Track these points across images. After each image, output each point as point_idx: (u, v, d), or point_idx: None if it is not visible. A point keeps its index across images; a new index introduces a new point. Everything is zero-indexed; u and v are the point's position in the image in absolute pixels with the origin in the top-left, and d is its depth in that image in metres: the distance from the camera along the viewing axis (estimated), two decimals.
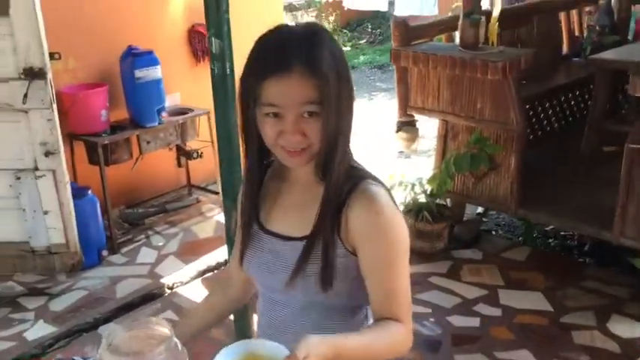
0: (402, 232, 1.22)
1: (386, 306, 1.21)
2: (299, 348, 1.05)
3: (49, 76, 3.15)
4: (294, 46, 1.16)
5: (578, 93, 4.88)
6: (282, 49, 1.16)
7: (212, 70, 2.58)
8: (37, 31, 3.07)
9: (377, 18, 12.48)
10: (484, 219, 4.43)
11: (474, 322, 3.17)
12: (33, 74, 3.11)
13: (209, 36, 2.52)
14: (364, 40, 11.74)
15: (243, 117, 1.23)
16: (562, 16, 5.05)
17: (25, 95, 3.12)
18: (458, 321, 3.18)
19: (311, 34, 1.19)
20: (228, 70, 2.56)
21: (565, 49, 5.16)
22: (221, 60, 2.54)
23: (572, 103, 4.85)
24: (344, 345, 1.12)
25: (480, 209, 4.38)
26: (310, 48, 1.15)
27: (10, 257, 3.42)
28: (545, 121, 4.64)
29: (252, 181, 1.31)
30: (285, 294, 1.29)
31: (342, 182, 1.21)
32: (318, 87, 1.14)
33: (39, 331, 3.18)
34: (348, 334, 1.19)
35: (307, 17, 6.92)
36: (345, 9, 10.62)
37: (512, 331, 3.09)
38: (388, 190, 1.25)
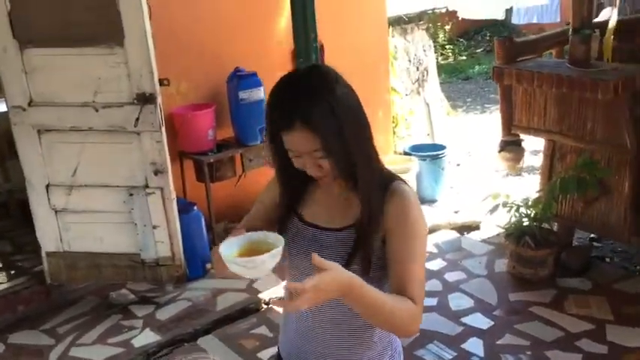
0: (423, 224, 1.43)
1: (403, 284, 1.35)
2: (309, 280, 1.17)
3: (159, 100, 3.35)
4: (293, 103, 1.32)
5: None
6: (284, 108, 1.34)
7: None
8: (149, 60, 3.29)
9: (496, 26, 12.12)
10: (598, 244, 4.15)
11: (576, 358, 2.97)
12: (144, 99, 3.33)
13: (298, 63, 2.60)
14: (481, 49, 11.44)
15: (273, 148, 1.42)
16: None
17: (137, 119, 3.35)
18: (558, 357, 3.00)
19: (309, 87, 1.34)
20: None
21: None
22: None
23: None
24: (358, 286, 1.24)
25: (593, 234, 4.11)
26: (307, 103, 1.31)
27: (123, 267, 3.67)
28: None
29: (287, 184, 1.50)
30: None
31: (375, 185, 1.41)
32: (319, 137, 1.32)
33: (145, 338, 3.40)
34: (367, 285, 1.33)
35: (418, 31, 6.82)
36: (460, 18, 10.41)
37: None
38: (412, 189, 1.47)
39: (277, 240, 1.28)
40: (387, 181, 1.44)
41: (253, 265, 1.21)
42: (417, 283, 1.35)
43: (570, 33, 3.51)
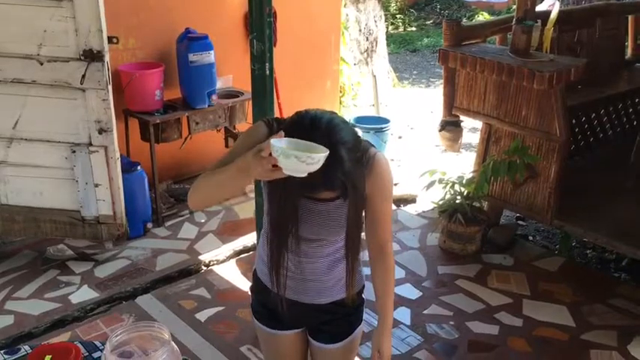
0: (392, 181, 1.72)
1: (383, 240, 1.77)
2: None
3: (107, 58, 3.31)
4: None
5: (638, 100, 4.74)
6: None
7: (252, 70, 2.70)
8: (98, 15, 3.22)
9: None
10: (523, 224, 4.41)
11: (493, 330, 3.21)
12: (92, 56, 3.29)
13: (251, 38, 2.63)
14: (431, 21, 11.57)
15: None
16: (629, 19, 4.88)
17: (84, 76, 3.30)
18: (477, 327, 3.23)
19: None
20: (267, 71, 2.68)
21: (629, 54, 5.00)
22: (261, 61, 2.66)
23: (631, 110, 4.71)
24: (390, 326, 1.88)
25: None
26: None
27: (62, 223, 3.66)
28: (599, 128, 4.54)
29: None
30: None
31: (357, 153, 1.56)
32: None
33: (83, 295, 3.42)
34: (385, 312, 1.88)
35: (370, 0, 6.87)
36: None
37: (529, 343, 3.12)
38: (385, 157, 1.70)
39: (322, 148, 1.31)
40: (365, 148, 1.62)
41: (312, 160, 1.24)
42: (390, 237, 1.79)
43: (513, 22, 3.65)
